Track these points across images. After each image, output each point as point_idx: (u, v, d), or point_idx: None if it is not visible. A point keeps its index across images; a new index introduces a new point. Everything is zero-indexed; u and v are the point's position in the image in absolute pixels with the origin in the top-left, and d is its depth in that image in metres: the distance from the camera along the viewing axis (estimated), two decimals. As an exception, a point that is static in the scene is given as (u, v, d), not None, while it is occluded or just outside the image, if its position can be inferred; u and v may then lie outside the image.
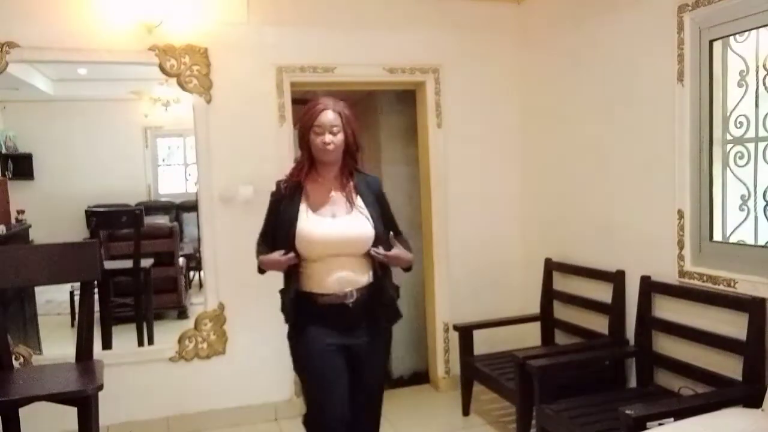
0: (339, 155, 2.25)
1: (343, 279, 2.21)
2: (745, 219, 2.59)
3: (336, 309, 2.21)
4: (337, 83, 3.61)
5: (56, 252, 2.69)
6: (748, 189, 2.57)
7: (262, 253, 2.32)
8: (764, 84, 2.47)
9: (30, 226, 5.14)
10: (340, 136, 2.21)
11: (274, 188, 2.34)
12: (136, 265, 4.31)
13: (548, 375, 2.77)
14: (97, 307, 3.43)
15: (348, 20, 3.65)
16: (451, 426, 3.47)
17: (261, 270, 2.34)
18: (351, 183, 2.29)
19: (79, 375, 2.53)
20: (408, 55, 3.75)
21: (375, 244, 2.22)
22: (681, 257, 2.77)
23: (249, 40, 3.48)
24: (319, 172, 2.28)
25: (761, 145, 2.49)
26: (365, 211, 2.26)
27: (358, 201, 2.27)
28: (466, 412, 3.55)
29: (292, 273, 2.26)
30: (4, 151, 6.67)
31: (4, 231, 4.28)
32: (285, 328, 2.34)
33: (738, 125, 2.58)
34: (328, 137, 2.19)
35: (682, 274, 2.76)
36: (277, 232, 2.27)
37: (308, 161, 2.27)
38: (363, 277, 2.24)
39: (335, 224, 2.22)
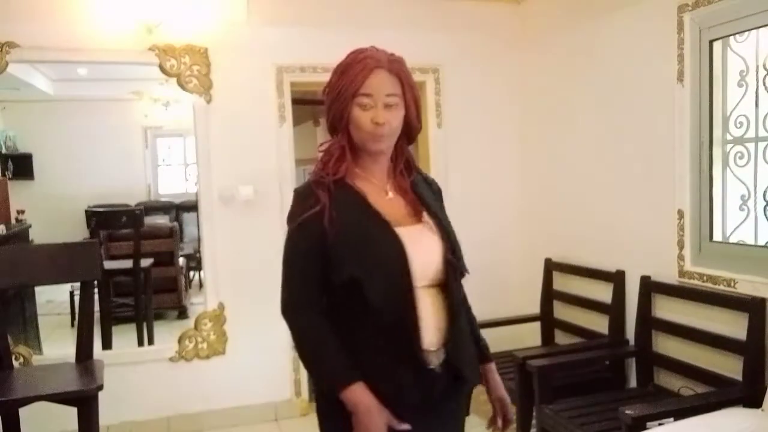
0: (394, 141, 1.48)
1: (438, 330, 1.43)
2: (745, 219, 2.59)
3: (428, 379, 1.42)
4: (337, 83, 3.61)
5: (56, 252, 2.70)
6: (748, 189, 2.57)
7: (338, 360, 1.38)
8: (764, 84, 2.47)
9: (30, 226, 5.15)
10: (400, 114, 1.44)
11: (295, 206, 1.47)
12: (136, 265, 4.31)
13: (548, 375, 2.77)
14: (97, 307, 3.43)
15: (348, 20, 3.64)
16: (451, 426, 3.46)
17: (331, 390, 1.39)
18: (408, 180, 1.54)
19: (79, 375, 2.53)
20: (408, 55, 3.69)
21: (453, 275, 1.47)
22: (681, 257, 2.76)
23: (249, 40, 3.48)
24: (363, 165, 1.50)
25: (761, 145, 2.49)
26: (433, 221, 1.51)
27: (428, 202, 1.55)
28: (466, 412, 3.54)
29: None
30: (4, 151, 6.68)
31: (4, 231, 4.28)
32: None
33: (738, 125, 2.57)
34: (382, 114, 1.40)
35: (682, 274, 2.76)
36: (356, 271, 1.37)
37: (349, 148, 1.46)
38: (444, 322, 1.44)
39: (418, 235, 1.47)
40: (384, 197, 1.49)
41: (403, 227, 1.44)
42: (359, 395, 1.36)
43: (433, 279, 1.45)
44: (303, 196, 1.46)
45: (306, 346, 1.46)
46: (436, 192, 1.63)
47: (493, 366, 1.66)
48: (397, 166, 1.54)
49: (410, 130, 1.51)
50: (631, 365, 3.07)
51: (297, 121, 3.60)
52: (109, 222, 4.70)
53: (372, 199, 1.45)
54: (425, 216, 1.52)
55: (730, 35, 2.55)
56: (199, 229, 3.81)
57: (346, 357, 1.39)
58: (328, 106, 1.47)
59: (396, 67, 1.45)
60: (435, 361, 1.42)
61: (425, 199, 1.53)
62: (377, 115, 1.40)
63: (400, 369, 1.39)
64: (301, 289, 1.46)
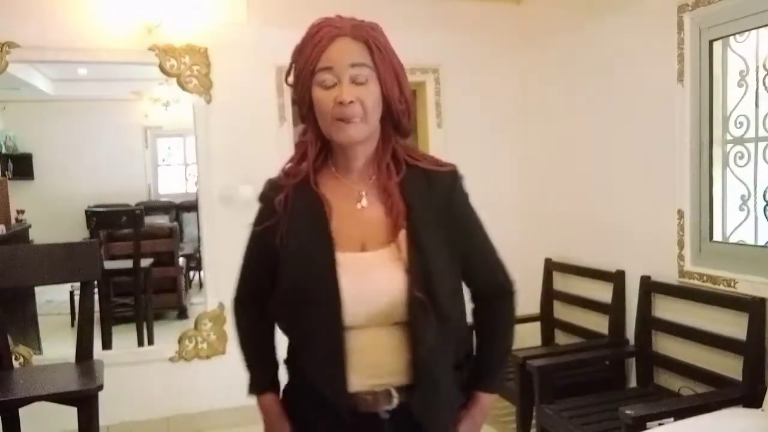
0: (372, 128, 1.19)
1: (375, 369, 1.18)
2: (745, 219, 2.59)
3: (363, 424, 1.20)
4: (337, 83, 3.61)
5: (56, 252, 2.69)
6: (748, 189, 2.57)
7: (256, 354, 1.39)
8: (764, 84, 2.47)
9: (30, 226, 5.15)
10: (373, 87, 1.16)
11: (258, 201, 1.34)
12: (136, 265, 4.31)
13: (548, 375, 2.77)
14: (97, 307, 3.43)
15: (348, 20, 3.64)
16: (451, 426, 3.46)
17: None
18: (395, 179, 1.22)
19: (79, 375, 2.53)
20: (408, 55, 3.71)
21: (422, 315, 1.14)
22: (681, 257, 2.76)
23: (249, 40, 3.48)
24: (336, 162, 1.25)
25: (761, 145, 2.49)
26: (406, 243, 1.18)
27: (418, 216, 1.21)
28: None
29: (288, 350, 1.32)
30: (4, 151, 6.68)
31: (4, 231, 4.28)
32: None
33: (738, 125, 2.58)
34: (348, 91, 1.13)
35: (682, 274, 2.76)
36: (282, 284, 1.23)
37: (318, 141, 1.23)
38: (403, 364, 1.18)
39: (365, 265, 1.18)
40: (354, 206, 1.21)
41: (352, 253, 1.18)
42: (266, 407, 1.36)
43: (390, 317, 1.16)
44: (263, 199, 1.31)
45: (239, 343, 1.44)
46: (445, 195, 1.26)
47: (479, 400, 1.30)
48: (381, 162, 1.21)
49: (392, 110, 1.18)
50: (631, 365, 3.07)
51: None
52: (109, 222, 4.70)
53: (335, 209, 1.19)
54: (401, 234, 1.18)
55: (730, 35, 2.56)
56: (199, 229, 3.81)
57: (269, 363, 1.37)
58: (292, 93, 1.24)
59: (363, 32, 1.18)
60: (380, 405, 1.19)
61: (414, 208, 1.20)
62: (341, 92, 1.12)
63: (319, 411, 1.21)
64: (248, 286, 1.41)
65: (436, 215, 1.22)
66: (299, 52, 1.22)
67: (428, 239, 1.19)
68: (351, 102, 1.12)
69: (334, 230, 1.18)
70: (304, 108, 1.20)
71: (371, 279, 1.17)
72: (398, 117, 1.21)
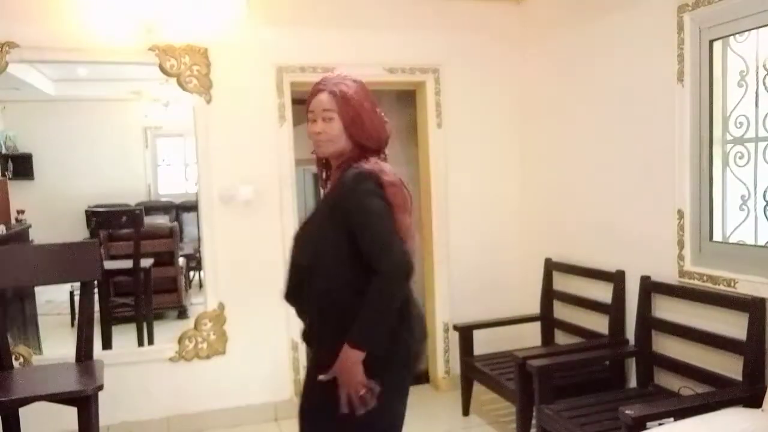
0: (338, 148, 1.77)
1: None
2: (745, 219, 2.59)
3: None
4: (337, 83, 3.61)
5: (56, 252, 2.70)
6: (748, 189, 2.57)
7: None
8: (764, 84, 2.47)
9: (30, 226, 5.15)
10: (335, 125, 1.74)
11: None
12: (136, 265, 4.31)
13: (548, 375, 2.77)
14: (97, 307, 3.43)
15: (348, 20, 3.65)
16: (451, 426, 3.47)
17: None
18: (332, 183, 1.84)
19: (79, 375, 2.54)
20: (408, 55, 3.75)
21: (310, 281, 1.75)
22: (681, 257, 2.77)
23: (249, 40, 3.48)
24: (330, 167, 1.87)
25: (761, 145, 2.50)
26: (311, 224, 1.82)
27: (322, 199, 1.85)
28: (466, 412, 3.55)
29: None
30: (4, 151, 6.68)
31: (4, 231, 4.28)
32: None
33: (738, 125, 2.58)
34: (318, 125, 1.75)
35: (682, 274, 2.76)
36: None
37: (318, 159, 1.90)
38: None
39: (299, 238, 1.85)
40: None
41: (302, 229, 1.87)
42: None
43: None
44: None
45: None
46: (342, 190, 1.72)
47: (344, 347, 1.66)
48: (343, 171, 1.76)
49: (353, 136, 1.75)
50: (631, 365, 3.07)
51: (297, 121, 3.60)
52: (109, 222, 4.70)
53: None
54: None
55: (730, 35, 2.55)
56: (199, 229, 3.81)
57: None
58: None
59: (336, 88, 1.75)
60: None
61: (320, 203, 1.87)
62: (314, 126, 1.76)
63: None
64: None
65: (331, 207, 1.75)
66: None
67: (315, 224, 1.80)
68: (319, 133, 1.76)
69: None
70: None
71: (297, 245, 1.85)
72: (361, 141, 1.77)
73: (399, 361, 1.74)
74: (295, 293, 1.82)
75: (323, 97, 1.75)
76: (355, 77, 1.81)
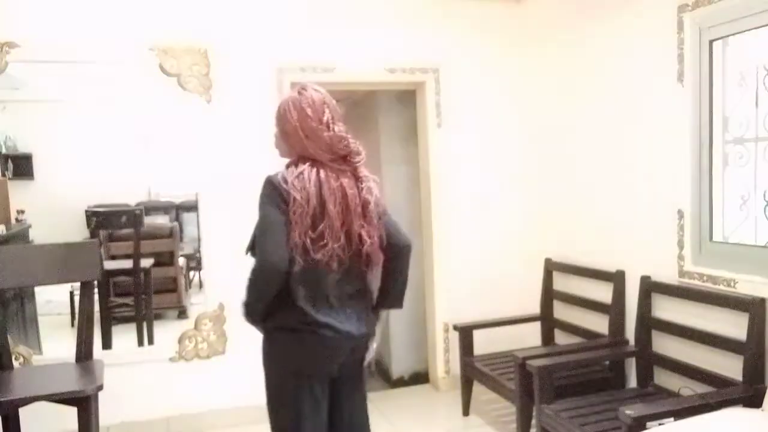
0: (282, 153, 2.05)
1: None
2: (745, 219, 2.60)
3: None
4: (337, 83, 3.61)
5: (56, 252, 2.69)
6: (748, 189, 2.57)
7: None
8: (764, 84, 2.47)
9: (30, 226, 5.14)
10: (276, 131, 2.05)
11: None
12: (136, 265, 4.31)
13: (548, 375, 2.77)
14: (97, 307, 3.43)
15: (348, 20, 3.64)
16: (451, 426, 3.47)
17: None
18: None
19: (79, 375, 2.54)
20: (408, 55, 3.75)
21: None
22: (681, 257, 2.77)
23: (249, 40, 3.48)
24: None
25: (761, 145, 2.50)
26: None
27: None
28: (466, 412, 3.55)
29: None
30: (4, 151, 6.67)
31: (4, 231, 4.28)
32: None
33: (738, 125, 2.58)
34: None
35: (682, 274, 2.76)
36: None
37: None
38: None
39: None
40: None
41: None
42: None
43: None
44: None
45: None
46: None
47: None
48: None
49: (292, 149, 1.99)
50: (631, 365, 3.08)
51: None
52: (109, 222, 4.69)
53: None
54: None
55: (730, 35, 2.55)
56: (199, 229, 3.81)
57: None
58: None
59: (279, 104, 2.00)
60: None
61: None
62: None
63: None
64: None
65: None
66: None
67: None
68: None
69: None
70: None
71: None
72: (294, 150, 1.98)
73: (266, 331, 2.06)
74: None
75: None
76: (307, 90, 1.95)
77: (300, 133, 1.91)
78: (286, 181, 1.86)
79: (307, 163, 1.90)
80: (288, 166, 1.95)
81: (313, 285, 1.90)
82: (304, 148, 1.92)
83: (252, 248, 1.98)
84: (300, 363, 1.95)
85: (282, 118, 1.97)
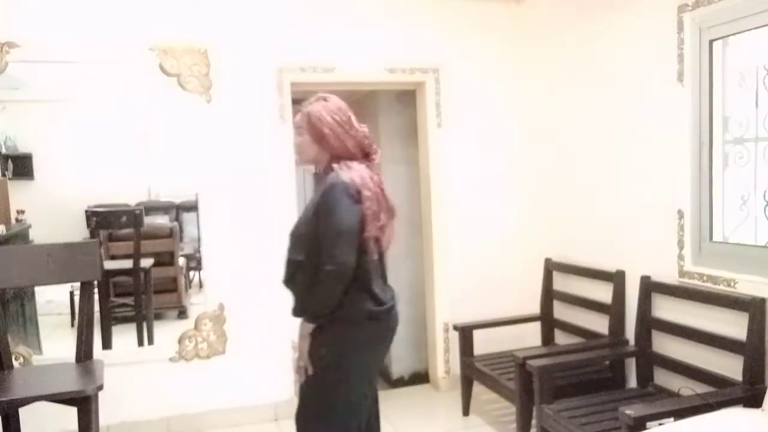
0: (310, 158, 2.15)
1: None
2: (745, 219, 2.60)
3: None
4: (337, 83, 3.61)
5: (56, 252, 2.69)
6: (748, 189, 2.57)
7: None
8: (764, 84, 2.47)
9: (30, 226, 5.14)
10: (306, 138, 2.11)
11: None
12: (136, 265, 4.30)
13: (548, 375, 2.77)
14: (97, 307, 3.43)
15: (348, 20, 3.64)
16: (451, 426, 3.47)
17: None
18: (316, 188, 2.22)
19: (79, 375, 2.53)
20: (408, 55, 3.75)
21: (289, 248, 2.11)
22: (681, 257, 2.77)
23: (249, 40, 3.48)
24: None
25: (761, 145, 2.50)
26: (302, 224, 2.13)
27: (309, 201, 2.16)
28: (466, 412, 3.55)
29: None
30: (4, 151, 6.67)
31: (4, 231, 4.28)
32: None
33: (738, 125, 2.58)
34: (295, 139, 2.18)
35: (682, 274, 2.76)
36: None
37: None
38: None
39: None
40: None
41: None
42: None
43: None
44: None
45: None
46: (319, 197, 2.04)
47: (301, 320, 2.12)
48: (321, 178, 2.09)
49: (325, 149, 2.09)
50: (631, 365, 3.08)
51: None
52: (109, 222, 4.68)
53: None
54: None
55: (730, 35, 2.55)
56: (199, 229, 3.81)
57: None
58: None
59: (305, 108, 2.11)
60: None
61: (308, 203, 2.13)
62: (293, 139, 2.21)
63: None
64: None
65: (313, 206, 2.05)
66: None
67: (300, 219, 2.14)
68: (295, 145, 2.21)
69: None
70: None
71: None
72: (330, 152, 2.09)
73: (349, 323, 2.06)
74: (290, 282, 2.14)
75: (297, 115, 2.13)
76: (331, 98, 2.13)
77: (339, 135, 2.08)
78: (352, 181, 2.00)
79: (353, 162, 2.07)
80: (329, 170, 2.07)
81: (378, 272, 2.12)
82: (343, 148, 2.08)
83: (313, 253, 2.02)
84: (382, 344, 2.16)
85: (317, 123, 2.08)
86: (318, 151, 2.11)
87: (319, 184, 2.10)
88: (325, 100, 2.13)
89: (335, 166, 2.06)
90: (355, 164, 2.07)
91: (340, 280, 1.97)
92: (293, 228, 2.13)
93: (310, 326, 2.07)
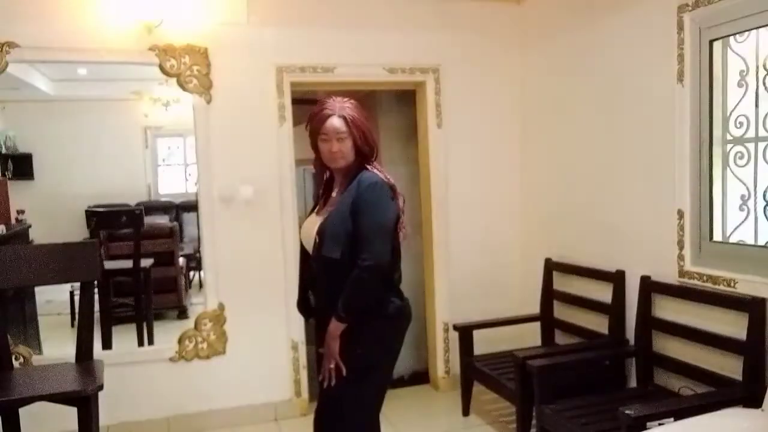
0: (349, 160, 2.15)
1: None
2: (745, 219, 2.59)
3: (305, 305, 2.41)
4: (337, 83, 3.61)
5: (56, 252, 2.69)
6: (748, 189, 2.57)
7: None
8: (764, 84, 2.47)
9: (30, 226, 5.14)
10: (348, 143, 2.11)
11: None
12: (136, 265, 4.30)
13: (548, 375, 2.77)
14: (97, 307, 3.43)
15: (348, 20, 3.64)
16: (451, 426, 3.47)
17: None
18: (339, 191, 2.21)
19: (79, 375, 2.53)
20: (408, 55, 3.75)
21: (321, 246, 2.10)
22: (681, 257, 2.77)
23: (249, 40, 3.48)
24: (335, 175, 2.25)
25: (761, 145, 2.50)
26: (331, 209, 2.14)
27: (339, 200, 2.16)
28: (466, 412, 3.55)
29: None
30: (4, 151, 6.68)
31: (4, 231, 4.27)
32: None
33: (738, 125, 2.58)
34: (335, 145, 2.11)
35: (682, 274, 2.76)
36: None
37: (323, 165, 2.23)
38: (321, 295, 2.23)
39: (310, 224, 2.22)
40: (329, 195, 2.25)
41: (313, 215, 2.26)
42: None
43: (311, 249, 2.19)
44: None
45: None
46: (356, 191, 2.09)
47: (332, 320, 2.07)
48: (345, 180, 2.16)
49: (360, 151, 2.14)
50: (631, 365, 3.07)
51: (297, 121, 3.59)
52: (109, 222, 4.69)
53: (325, 196, 2.27)
54: (324, 211, 2.20)
55: (730, 35, 2.55)
56: (199, 229, 3.81)
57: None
58: (309, 136, 2.21)
59: (344, 111, 2.12)
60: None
61: (337, 201, 2.16)
62: (332, 145, 2.12)
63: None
64: None
65: (348, 204, 2.09)
66: (311, 120, 2.17)
67: (333, 216, 2.11)
68: (335, 152, 2.13)
69: (322, 206, 2.26)
70: (313, 147, 2.20)
71: (308, 227, 2.23)
72: (364, 153, 2.16)
73: (385, 319, 2.12)
74: (320, 280, 2.19)
75: (335, 122, 2.11)
76: (349, 100, 2.18)
77: (374, 137, 2.22)
78: (387, 180, 2.14)
79: (373, 159, 2.19)
80: (354, 170, 2.15)
81: (399, 268, 2.21)
82: (375, 150, 2.20)
83: (349, 250, 2.07)
84: (403, 338, 2.22)
85: (361, 127, 2.15)
86: (353, 154, 2.16)
87: (347, 185, 2.14)
88: (350, 102, 2.17)
89: (368, 166, 2.15)
90: (377, 166, 2.18)
91: (380, 273, 2.04)
92: (326, 226, 2.11)
93: (342, 326, 2.04)
